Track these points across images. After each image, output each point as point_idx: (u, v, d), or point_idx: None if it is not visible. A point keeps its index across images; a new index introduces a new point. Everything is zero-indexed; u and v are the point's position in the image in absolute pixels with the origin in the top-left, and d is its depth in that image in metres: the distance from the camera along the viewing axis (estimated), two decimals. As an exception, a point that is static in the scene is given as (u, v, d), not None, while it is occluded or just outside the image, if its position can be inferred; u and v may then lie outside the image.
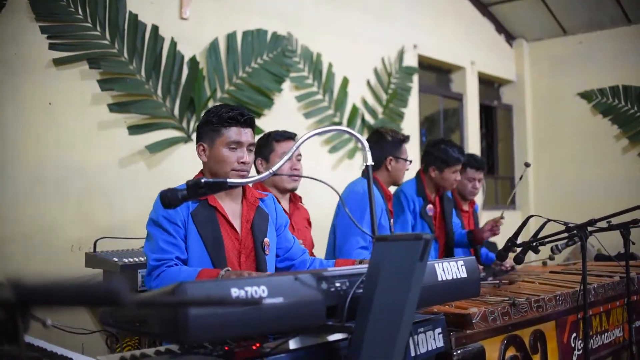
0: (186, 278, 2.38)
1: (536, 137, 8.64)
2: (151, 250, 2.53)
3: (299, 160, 3.55)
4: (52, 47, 3.97)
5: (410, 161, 3.98)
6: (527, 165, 4.43)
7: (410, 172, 4.33)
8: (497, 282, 3.62)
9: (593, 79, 7.96)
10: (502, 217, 4.18)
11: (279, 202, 3.12)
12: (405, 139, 4.01)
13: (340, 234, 3.75)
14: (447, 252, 4.33)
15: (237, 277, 2.27)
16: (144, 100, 4.44)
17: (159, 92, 4.51)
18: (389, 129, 4.18)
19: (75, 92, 4.11)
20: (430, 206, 4.25)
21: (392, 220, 3.93)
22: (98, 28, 4.18)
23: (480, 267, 4.19)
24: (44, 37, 3.96)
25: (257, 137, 3.68)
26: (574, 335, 3.10)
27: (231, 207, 2.69)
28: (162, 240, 2.52)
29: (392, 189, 4.14)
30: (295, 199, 3.69)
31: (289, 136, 3.54)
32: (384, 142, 3.94)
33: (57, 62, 4.00)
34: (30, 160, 3.87)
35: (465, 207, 4.76)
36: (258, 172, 3.48)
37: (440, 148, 4.28)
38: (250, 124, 2.68)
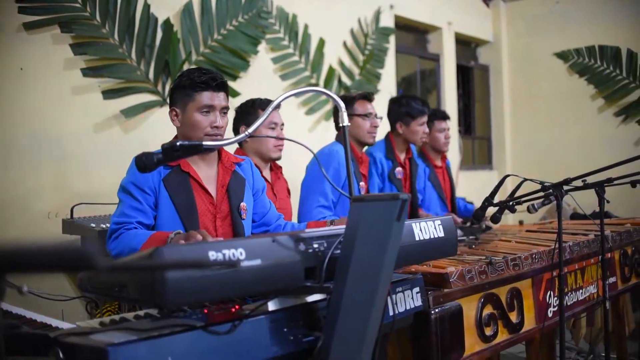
0: (139, 241, 2.37)
1: (513, 97, 8.66)
2: (116, 215, 2.54)
3: (273, 128, 3.52)
4: (21, 10, 3.87)
5: (368, 115, 3.97)
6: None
7: (382, 134, 4.35)
8: (474, 240, 3.67)
9: (570, 39, 7.97)
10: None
11: (261, 171, 3.12)
12: (357, 96, 4.01)
13: (302, 195, 3.79)
14: (412, 213, 4.34)
15: (185, 239, 2.24)
16: (118, 64, 4.38)
17: (133, 55, 4.44)
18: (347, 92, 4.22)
19: (47, 56, 4.04)
20: (399, 169, 4.28)
21: (362, 183, 3.93)
22: (69, -10, 4.10)
23: (460, 219, 4.26)
24: (13, 1, 3.87)
25: (240, 103, 3.68)
26: (550, 292, 3.14)
27: (206, 172, 2.67)
28: (127, 206, 2.52)
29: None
30: (276, 169, 3.69)
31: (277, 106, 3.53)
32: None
33: (28, 27, 3.92)
34: (3, 126, 3.80)
35: (438, 163, 4.81)
36: (245, 140, 3.46)
37: (402, 102, 4.37)
38: (223, 87, 2.66)
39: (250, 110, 3.49)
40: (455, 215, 4.28)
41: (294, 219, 3.81)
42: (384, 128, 4.45)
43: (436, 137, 4.69)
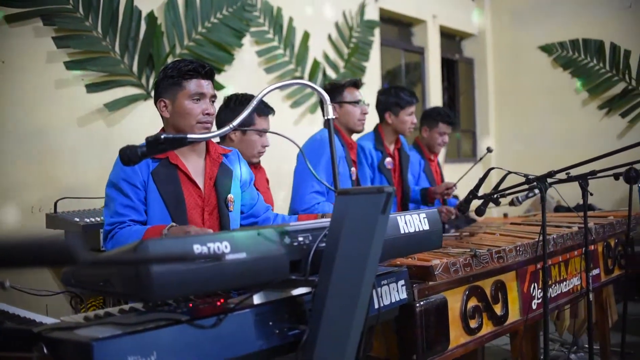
0: (134, 238, 2.37)
1: (497, 90, 8.70)
2: (109, 215, 2.53)
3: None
4: (3, 3, 3.84)
5: (357, 102, 3.96)
6: (489, 150, 4.50)
7: (368, 125, 4.36)
8: (458, 234, 3.67)
9: (554, 32, 8.01)
10: (455, 186, 4.29)
11: None
12: (346, 83, 4.01)
13: (295, 182, 3.79)
14: (403, 207, 4.39)
15: (183, 233, 2.25)
16: (102, 57, 4.35)
17: (117, 48, 4.42)
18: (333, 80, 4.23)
19: (30, 50, 4.01)
20: (388, 159, 4.30)
21: (353, 169, 3.94)
22: (51, -17, 4.07)
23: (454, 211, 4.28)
24: (-6, -7, 3.84)
25: (228, 95, 3.66)
26: (534, 284, 3.16)
27: (194, 164, 2.67)
28: (119, 204, 2.51)
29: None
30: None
31: (269, 112, 3.55)
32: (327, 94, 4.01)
33: (9, 19, 3.88)
34: (-15, 120, 3.78)
35: (432, 157, 4.86)
36: (231, 140, 3.45)
37: (391, 93, 4.39)
38: (210, 75, 2.67)
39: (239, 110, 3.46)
40: (451, 208, 4.29)
41: (277, 208, 3.80)
42: (371, 120, 4.46)
43: (434, 137, 4.76)
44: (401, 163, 4.43)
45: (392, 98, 4.34)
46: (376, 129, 4.42)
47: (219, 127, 3.48)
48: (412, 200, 4.46)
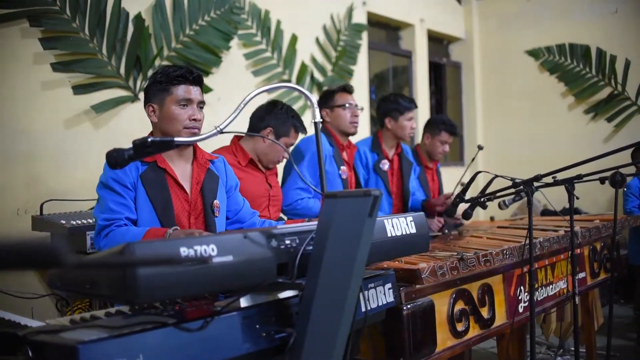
0: (133, 237, 2.37)
1: (484, 94, 8.74)
2: (100, 211, 2.52)
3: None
4: (-10, 3, 3.83)
5: (348, 105, 4.14)
6: (479, 147, 4.57)
7: (363, 129, 4.38)
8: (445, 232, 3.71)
9: (541, 36, 8.05)
10: (451, 196, 4.33)
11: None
12: (337, 88, 4.22)
13: (282, 177, 3.99)
14: (402, 209, 4.49)
15: (185, 235, 2.26)
16: (89, 59, 4.33)
17: (104, 50, 4.40)
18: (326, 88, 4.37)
19: (16, 51, 3.98)
20: (384, 161, 4.38)
21: (343, 167, 4.03)
22: (38, -16, 4.05)
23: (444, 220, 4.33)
24: (-20, -6, 3.81)
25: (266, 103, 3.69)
26: (520, 287, 3.17)
27: (182, 169, 2.68)
28: (112, 201, 2.51)
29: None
30: None
31: (303, 131, 3.69)
32: (319, 100, 4.23)
33: (-4, 20, 3.87)
34: (-29, 121, 3.76)
35: (430, 164, 4.90)
36: (263, 141, 3.52)
37: (390, 99, 4.52)
38: (198, 81, 2.69)
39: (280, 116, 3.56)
40: (440, 219, 4.34)
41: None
42: (362, 125, 4.48)
43: (435, 145, 4.81)
44: (402, 168, 4.50)
45: (391, 104, 4.46)
46: (375, 134, 4.54)
47: (254, 129, 3.52)
48: (411, 209, 4.51)
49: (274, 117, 3.52)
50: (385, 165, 4.38)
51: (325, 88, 4.18)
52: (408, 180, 4.51)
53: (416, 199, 4.57)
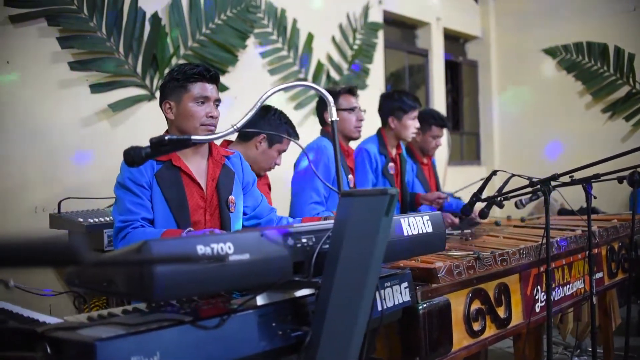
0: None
1: (501, 92, 8.69)
2: (118, 212, 2.54)
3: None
4: (8, 3, 3.85)
5: (353, 109, 4.00)
6: (494, 173, 4.44)
7: (371, 128, 4.37)
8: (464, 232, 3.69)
9: (558, 35, 7.99)
10: (446, 198, 4.29)
11: None
12: (341, 90, 4.04)
13: (294, 191, 3.82)
14: (402, 208, 4.40)
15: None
16: (106, 58, 4.36)
17: (121, 49, 4.42)
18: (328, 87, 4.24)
19: (34, 50, 4.01)
20: (391, 164, 4.31)
21: (350, 176, 3.96)
22: (55, -16, 4.07)
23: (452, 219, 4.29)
24: (0, -6, 3.84)
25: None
26: (537, 287, 3.15)
27: (197, 165, 2.69)
28: (128, 202, 2.52)
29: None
30: None
31: (295, 137, 3.59)
32: (320, 100, 4.08)
33: (14, 20, 3.89)
34: (-10, 120, 3.79)
35: (424, 160, 4.83)
36: (256, 148, 3.49)
37: (394, 97, 4.38)
38: (215, 79, 2.72)
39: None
40: (450, 215, 4.30)
41: (283, 209, 3.82)
42: (374, 123, 4.47)
43: (428, 141, 4.71)
44: (401, 168, 4.43)
45: (395, 103, 4.33)
46: (379, 133, 4.41)
47: (245, 135, 3.49)
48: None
49: (267, 122, 3.41)
50: (392, 169, 4.30)
51: (327, 88, 4.05)
52: (405, 178, 4.46)
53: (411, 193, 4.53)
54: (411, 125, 4.32)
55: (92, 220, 3.46)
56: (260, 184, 3.56)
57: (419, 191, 4.61)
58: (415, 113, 4.34)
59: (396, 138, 4.37)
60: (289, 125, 3.52)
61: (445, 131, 4.86)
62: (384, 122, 4.40)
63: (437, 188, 4.92)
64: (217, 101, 2.71)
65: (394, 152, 4.39)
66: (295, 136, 3.56)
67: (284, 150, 3.56)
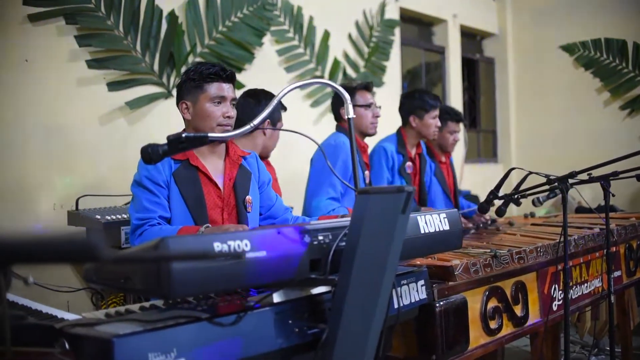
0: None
1: (518, 90, 8.64)
2: (135, 210, 2.55)
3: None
4: (26, 2, 3.88)
5: (371, 104, 4.00)
6: (511, 224, 4.40)
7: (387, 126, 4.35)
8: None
9: (575, 31, 7.93)
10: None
11: None
12: (357, 86, 4.03)
13: (310, 187, 3.82)
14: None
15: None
16: (123, 56, 4.38)
17: (138, 47, 4.44)
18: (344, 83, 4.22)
19: (52, 48, 4.04)
20: (409, 164, 4.30)
21: (367, 173, 3.96)
22: (73, -18, 4.10)
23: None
24: (19, -8, 3.87)
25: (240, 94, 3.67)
26: (554, 285, 3.14)
27: (214, 165, 2.70)
28: (145, 200, 2.54)
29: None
30: (266, 162, 3.68)
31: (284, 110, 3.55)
32: (336, 96, 4.08)
33: (33, 18, 3.92)
34: (8, 119, 3.81)
35: (443, 158, 4.82)
36: (264, 134, 3.46)
37: (415, 96, 4.39)
38: (231, 79, 2.71)
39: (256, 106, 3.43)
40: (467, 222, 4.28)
41: (297, 204, 3.83)
42: (390, 119, 4.46)
43: (445, 137, 4.70)
44: (421, 168, 4.43)
45: (417, 101, 4.33)
46: (399, 132, 4.41)
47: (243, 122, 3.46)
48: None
49: (262, 107, 3.21)
50: (409, 168, 4.30)
51: (343, 83, 4.02)
52: (424, 178, 4.46)
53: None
54: (433, 123, 4.32)
55: (109, 218, 3.48)
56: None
57: (437, 190, 4.61)
58: (437, 112, 4.33)
59: (417, 137, 4.37)
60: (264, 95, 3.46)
61: (462, 127, 4.85)
62: (405, 121, 4.40)
63: (455, 187, 4.90)
64: (234, 100, 2.71)
65: (413, 151, 4.39)
66: (284, 108, 3.51)
67: (286, 129, 3.50)
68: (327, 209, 3.63)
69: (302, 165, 4.12)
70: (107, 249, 1.00)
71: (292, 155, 4.03)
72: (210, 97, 2.64)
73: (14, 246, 0.98)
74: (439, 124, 4.36)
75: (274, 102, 2.05)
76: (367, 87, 4.05)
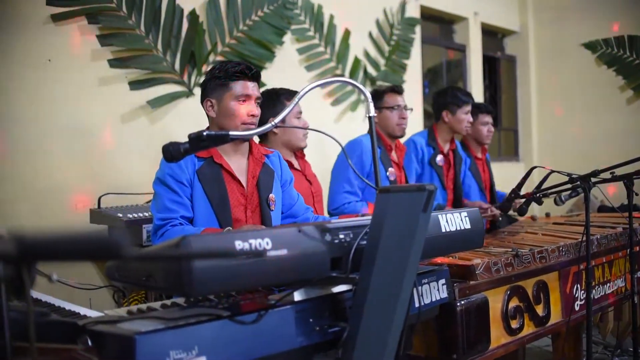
0: None
1: (540, 88, 8.57)
2: (157, 210, 2.56)
3: (299, 118, 3.50)
4: (49, 2, 3.90)
5: (397, 107, 4.09)
6: (533, 219, 4.46)
7: (417, 124, 4.35)
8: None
9: (598, 29, 7.85)
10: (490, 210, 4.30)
11: (292, 164, 3.16)
12: (386, 89, 4.18)
13: (330, 181, 3.96)
14: (455, 204, 4.47)
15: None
16: (144, 55, 4.40)
17: (159, 46, 4.46)
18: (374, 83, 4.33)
19: (74, 48, 4.07)
20: (440, 157, 4.38)
21: (390, 169, 3.99)
22: (95, -18, 4.13)
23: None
24: (42, -7, 3.91)
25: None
26: (577, 285, 3.12)
27: (238, 163, 2.71)
28: (168, 199, 2.54)
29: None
30: (302, 155, 3.70)
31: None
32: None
33: (55, 18, 3.95)
34: (30, 118, 3.84)
35: (479, 154, 4.88)
36: (275, 134, 3.47)
37: (447, 93, 4.54)
38: (256, 77, 2.73)
39: (276, 102, 3.46)
40: (495, 211, 4.27)
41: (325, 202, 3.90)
42: (413, 119, 4.46)
43: (479, 130, 4.80)
44: (455, 164, 4.48)
45: (449, 97, 4.48)
46: (431, 129, 4.54)
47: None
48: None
49: (270, 106, 3.31)
50: (441, 161, 4.37)
51: (374, 87, 4.14)
52: (460, 174, 4.51)
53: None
54: (465, 119, 4.46)
55: (131, 216, 3.50)
56: (306, 168, 3.60)
57: (471, 184, 4.65)
58: (469, 107, 4.46)
59: (449, 132, 4.50)
60: (282, 91, 3.48)
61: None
62: (437, 116, 4.55)
63: (491, 183, 4.96)
64: (258, 99, 2.72)
65: (446, 147, 4.50)
66: (290, 96, 3.45)
67: (300, 112, 3.48)
68: (342, 202, 3.77)
69: (324, 163, 4.17)
70: (130, 246, 1.01)
71: (315, 154, 4.04)
72: (235, 96, 2.65)
73: (38, 244, 0.99)
74: (471, 119, 4.47)
75: (296, 100, 2.05)
76: (396, 90, 4.18)
